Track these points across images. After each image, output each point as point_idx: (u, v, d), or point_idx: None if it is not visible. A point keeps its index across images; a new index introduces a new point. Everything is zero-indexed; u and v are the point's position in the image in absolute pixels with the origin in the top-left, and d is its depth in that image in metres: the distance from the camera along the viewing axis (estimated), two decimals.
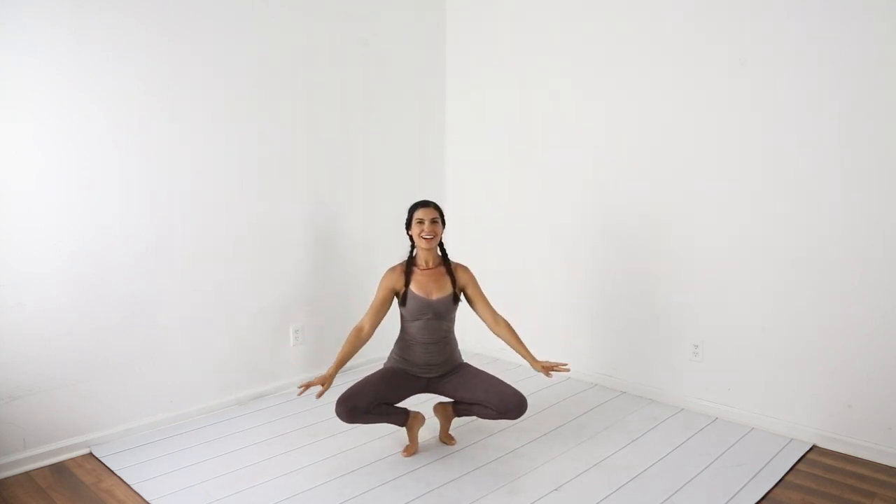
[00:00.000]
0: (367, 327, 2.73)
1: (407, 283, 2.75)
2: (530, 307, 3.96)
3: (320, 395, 2.59)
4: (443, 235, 2.80)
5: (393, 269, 2.80)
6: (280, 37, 3.40)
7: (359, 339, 2.72)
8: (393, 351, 2.88)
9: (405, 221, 2.80)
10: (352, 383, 2.74)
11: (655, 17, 3.26)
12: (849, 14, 2.68)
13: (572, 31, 3.60)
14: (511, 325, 2.83)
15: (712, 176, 3.13)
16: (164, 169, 3.02)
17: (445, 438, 2.93)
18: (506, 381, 2.76)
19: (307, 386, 2.58)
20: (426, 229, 2.71)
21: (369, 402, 2.62)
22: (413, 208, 2.78)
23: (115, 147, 2.86)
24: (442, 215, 2.79)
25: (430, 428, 3.03)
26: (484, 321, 2.84)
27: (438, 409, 2.94)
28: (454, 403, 2.88)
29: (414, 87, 4.10)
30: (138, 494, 2.49)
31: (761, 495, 2.47)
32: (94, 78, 2.77)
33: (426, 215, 2.72)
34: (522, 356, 2.79)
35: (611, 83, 3.47)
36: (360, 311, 3.87)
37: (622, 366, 3.57)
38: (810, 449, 2.86)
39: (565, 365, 2.69)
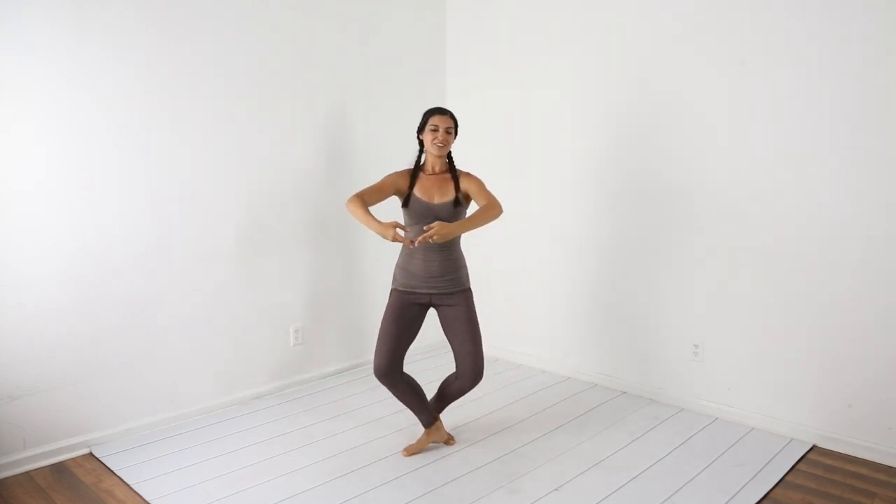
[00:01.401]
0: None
1: (411, 187, 2.73)
2: (530, 307, 3.96)
3: (402, 233, 2.62)
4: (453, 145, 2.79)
5: (399, 171, 2.80)
6: (280, 37, 3.39)
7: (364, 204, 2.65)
8: (396, 267, 2.84)
9: (418, 125, 2.78)
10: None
11: (655, 17, 3.26)
12: (849, 14, 2.68)
13: (572, 32, 3.60)
14: (491, 211, 2.65)
15: (712, 176, 3.12)
16: (164, 169, 3.02)
17: (445, 438, 2.93)
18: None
19: (406, 240, 2.56)
20: (440, 137, 2.69)
21: (395, 353, 2.69)
22: (429, 113, 2.75)
23: (115, 147, 2.86)
24: (457, 126, 2.78)
25: None
26: None
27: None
28: (431, 402, 2.90)
29: (414, 87, 4.10)
30: (138, 494, 2.49)
31: (761, 495, 2.47)
32: (94, 78, 2.77)
33: (441, 123, 2.71)
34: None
35: (610, 83, 3.47)
36: (359, 310, 3.91)
37: (622, 366, 3.57)
38: (810, 449, 2.86)
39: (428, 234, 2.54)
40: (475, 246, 4.03)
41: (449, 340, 2.79)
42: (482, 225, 2.66)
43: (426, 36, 4.16)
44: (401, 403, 2.88)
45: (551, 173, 3.78)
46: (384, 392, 3.51)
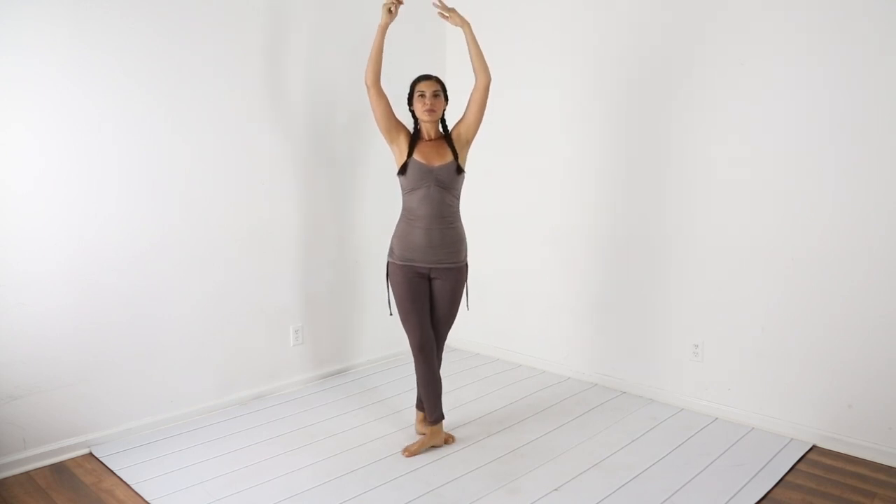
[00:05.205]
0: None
1: (410, 153, 2.73)
2: (530, 307, 3.96)
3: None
4: (445, 110, 2.80)
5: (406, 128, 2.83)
6: (281, 38, 3.39)
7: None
8: (393, 237, 2.82)
9: (407, 96, 2.80)
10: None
11: (654, 18, 3.26)
12: (849, 14, 2.68)
13: (571, 34, 3.59)
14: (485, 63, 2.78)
15: (712, 176, 3.12)
16: (164, 169, 3.02)
17: (444, 441, 2.93)
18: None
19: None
20: (427, 102, 2.71)
21: (425, 325, 2.76)
22: (415, 81, 2.77)
23: (115, 147, 2.86)
24: (444, 89, 2.78)
25: None
26: (475, 88, 2.79)
27: (418, 426, 2.99)
28: (419, 406, 2.95)
29: None
30: (138, 494, 2.49)
31: (761, 495, 2.47)
32: (94, 78, 2.77)
33: (427, 88, 2.72)
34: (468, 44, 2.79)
35: (610, 84, 3.47)
36: (359, 309, 3.91)
37: (622, 366, 3.57)
38: (810, 449, 2.86)
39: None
40: (476, 245, 4.04)
41: (432, 314, 2.84)
42: (481, 54, 2.77)
43: (426, 37, 4.15)
44: (412, 395, 2.89)
45: (551, 174, 3.78)
46: (384, 392, 3.52)
